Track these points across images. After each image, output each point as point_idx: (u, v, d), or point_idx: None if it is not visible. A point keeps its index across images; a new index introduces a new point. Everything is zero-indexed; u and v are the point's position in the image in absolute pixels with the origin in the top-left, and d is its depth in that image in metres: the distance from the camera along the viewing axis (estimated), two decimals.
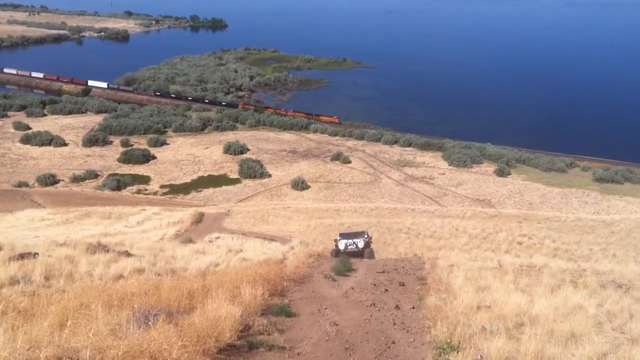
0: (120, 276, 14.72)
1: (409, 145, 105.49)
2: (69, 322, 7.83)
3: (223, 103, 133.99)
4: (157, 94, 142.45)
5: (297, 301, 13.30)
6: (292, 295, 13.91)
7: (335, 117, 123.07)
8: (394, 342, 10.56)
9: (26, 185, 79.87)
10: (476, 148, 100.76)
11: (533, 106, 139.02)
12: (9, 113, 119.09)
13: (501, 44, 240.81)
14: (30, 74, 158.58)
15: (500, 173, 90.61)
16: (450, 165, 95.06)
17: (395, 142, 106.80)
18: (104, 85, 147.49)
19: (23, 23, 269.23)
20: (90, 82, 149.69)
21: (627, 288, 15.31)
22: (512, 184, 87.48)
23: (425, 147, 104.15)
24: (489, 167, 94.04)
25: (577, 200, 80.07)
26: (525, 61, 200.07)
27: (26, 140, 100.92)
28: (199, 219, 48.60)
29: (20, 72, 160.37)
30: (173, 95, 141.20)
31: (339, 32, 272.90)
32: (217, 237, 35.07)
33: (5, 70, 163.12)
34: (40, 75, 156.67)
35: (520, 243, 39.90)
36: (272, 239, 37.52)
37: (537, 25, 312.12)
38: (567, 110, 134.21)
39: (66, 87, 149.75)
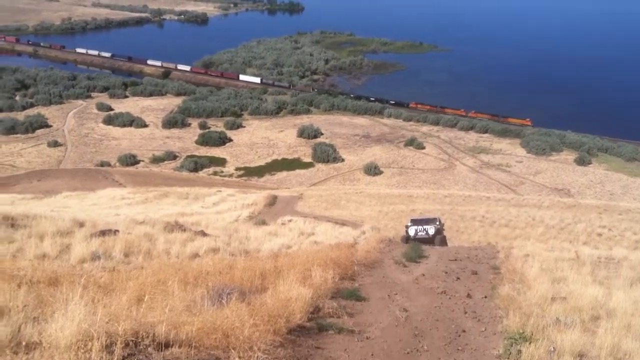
0: (196, 255, 15.13)
1: (486, 132, 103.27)
2: (146, 298, 8.09)
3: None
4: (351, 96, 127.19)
5: (367, 286, 13.31)
6: (363, 280, 13.93)
7: (528, 119, 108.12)
8: (464, 331, 10.44)
9: (108, 165, 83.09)
10: (556, 135, 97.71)
11: (615, 92, 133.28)
12: (92, 94, 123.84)
13: (580, 29, 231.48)
14: (161, 64, 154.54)
15: (581, 162, 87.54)
16: (528, 152, 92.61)
17: (472, 128, 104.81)
18: (257, 79, 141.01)
19: (107, 6, 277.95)
20: (243, 77, 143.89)
21: None
22: (592, 173, 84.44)
23: (503, 133, 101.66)
24: (568, 156, 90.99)
25: None
26: (605, 46, 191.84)
27: (108, 121, 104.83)
28: (272, 201, 49.26)
29: (154, 62, 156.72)
30: (372, 99, 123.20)
31: (415, 15, 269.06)
32: (290, 220, 35.43)
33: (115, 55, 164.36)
34: (187, 67, 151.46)
35: (599, 234, 38.54)
36: (343, 223, 37.61)
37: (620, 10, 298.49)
38: None
39: (148, 69, 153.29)
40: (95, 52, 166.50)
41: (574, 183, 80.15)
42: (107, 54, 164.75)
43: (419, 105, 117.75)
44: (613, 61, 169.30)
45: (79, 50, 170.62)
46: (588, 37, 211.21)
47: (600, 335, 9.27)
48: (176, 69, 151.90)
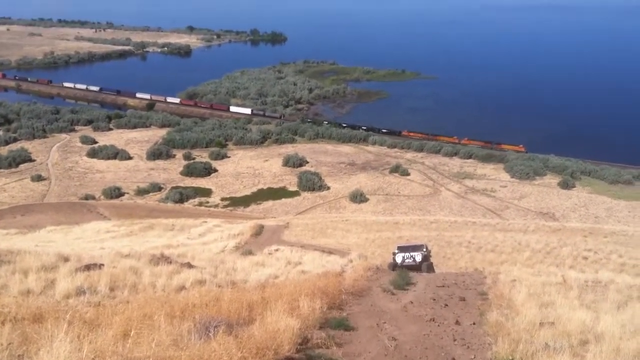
0: (183, 287, 15.02)
1: (470, 157, 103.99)
2: (132, 332, 8.03)
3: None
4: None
5: (356, 315, 13.27)
6: (351, 309, 13.89)
7: (521, 145, 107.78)
8: (453, 359, 10.42)
9: (92, 198, 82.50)
10: (539, 160, 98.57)
11: (598, 116, 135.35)
12: (76, 127, 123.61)
13: (563, 54, 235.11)
14: (150, 97, 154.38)
15: (565, 185, 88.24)
16: (512, 177, 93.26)
17: (456, 153, 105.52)
18: (248, 110, 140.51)
19: (90, 39, 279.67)
20: (233, 108, 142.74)
21: None
22: (576, 196, 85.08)
23: (487, 159, 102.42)
24: (552, 180, 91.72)
25: None
26: (589, 70, 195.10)
27: (92, 154, 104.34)
28: (259, 231, 49.11)
29: (141, 94, 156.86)
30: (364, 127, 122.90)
31: (398, 43, 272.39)
32: (276, 250, 35.32)
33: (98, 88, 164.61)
34: (177, 100, 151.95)
35: (585, 258, 38.72)
36: (330, 251, 37.53)
37: (606, 33, 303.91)
38: (634, 119, 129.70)
39: (131, 102, 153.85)
40: (84, 86, 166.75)
41: (558, 207, 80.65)
42: (95, 88, 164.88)
43: (411, 134, 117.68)
44: (596, 85, 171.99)
45: (66, 84, 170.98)
46: (572, 61, 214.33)
47: None
48: (165, 101, 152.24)
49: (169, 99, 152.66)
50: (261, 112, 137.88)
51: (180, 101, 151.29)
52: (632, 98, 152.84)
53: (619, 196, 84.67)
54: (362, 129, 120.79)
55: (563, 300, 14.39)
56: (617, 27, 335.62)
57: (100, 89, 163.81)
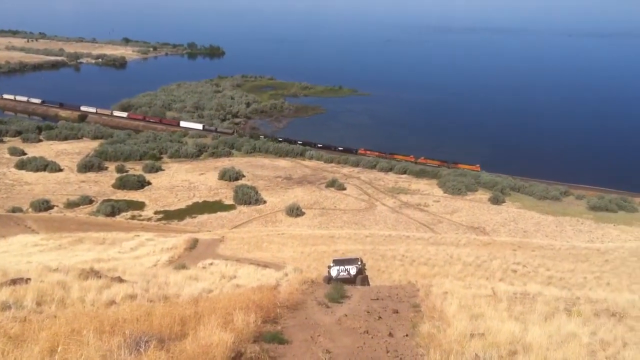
0: (113, 302, 14.63)
1: (404, 173, 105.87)
2: (59, 348, 7.78)
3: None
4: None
5: (290, 328, 13.21)
6: (285, 322, 13.82)
7: (477, 165, 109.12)
8: None
9: (20, 210, 79.58)
10: (471, 176, 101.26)
11: (526, 134, 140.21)
12: (4, 138, 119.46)
13: (495, 74, 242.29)
14: (96, 111, 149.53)
15: (495, 201, 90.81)
16: (445, 192, 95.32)
17: (391, 169, 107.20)
18: (199, 126, 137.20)
19: (21, 49, 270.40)
20: (183, 123, 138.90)
21: (620, 316, 15.32)
22: (506, 211, 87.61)
23: (420, 174, 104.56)
24: (483, 195, 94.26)
25: (571, 229, 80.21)
26: (519, 90, 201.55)
27: (21, 165, 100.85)
28: (193, 245, 48.43)
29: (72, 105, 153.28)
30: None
31: (335, 60, 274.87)
32: (211, 264, 34.88)
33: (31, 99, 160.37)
34: (124, 114, 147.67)
35: (514, 271, 39.85)
36: (266, 265, 37.35)
37: (536, 55, 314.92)
38: (560, 138, 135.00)
39: (62, 112, 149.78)
40: (25, 98, 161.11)
41: (489, 221, 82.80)
42: (37, 100, 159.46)
43: (367, 152, 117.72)
44: (526, 103, 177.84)
45: (5, 96, 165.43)
46: (506, 81, 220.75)
47: None
48: (112, 115, 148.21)
49: (116, 113, 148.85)
50: (213, 129, 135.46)
51: (128, 115, 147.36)
52: (561, 115, 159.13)
53: (546, 211, 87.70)
54: (299, 144, 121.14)
55: (493, 312, 14.69)
56: (551, 48, 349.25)
57: (43, 102, 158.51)
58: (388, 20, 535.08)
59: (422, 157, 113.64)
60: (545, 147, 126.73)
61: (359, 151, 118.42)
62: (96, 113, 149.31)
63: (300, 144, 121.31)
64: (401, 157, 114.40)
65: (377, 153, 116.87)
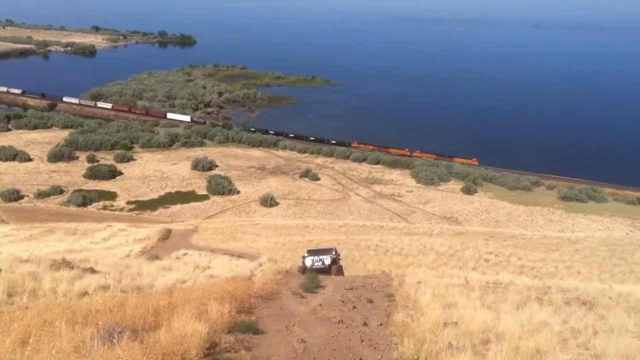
0: (85, 293, 14.46)
1: (378, 163, 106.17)
2: (31, 340, 7.67)
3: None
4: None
5: (265, 318, 13.20)
6: (260, 312, 13.80)
7: (475, 159, 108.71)
8: (361, 359, 10.55)
9: None
10: (443, 166, 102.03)
11: (498, 125, 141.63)
12: None
13: (468, 64, 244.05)
14: (79, 102, 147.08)
15: (467, 191, 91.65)
16: (418, 182, 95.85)
17: (364, 159, 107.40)
18: (187, 118, 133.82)
19: None
20: (170, 115, 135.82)
21: (591, 305, 15.55)
22: (478, 201, 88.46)
23: (394, 164, 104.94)
24: (455, 185, 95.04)
25: (542, 218, 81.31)
26: (491, 80, 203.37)
27: None
28: (166, 235, 48.09)
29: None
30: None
31: (307, 50, 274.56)
32: (185, 254, 34.71)
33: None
34: (109, 105, 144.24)
35: (486, 260, 40.31)
36: (240, 255, 37.26)
37: (507, 46, 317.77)
38: (531, 129, 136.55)
39: (32, 102, 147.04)
40: (4, 89, 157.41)
41: (461, 211, 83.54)
42: (18, 90, 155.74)
43: (361, 146, 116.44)
44: (497, 95, 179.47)
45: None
46: (484, 72, 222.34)
47: (491, 358, 9.64)
48: (96, 107, 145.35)
49: (100, 104, 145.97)
50: (202, 121, 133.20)
51: (113, 106, 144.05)
52: (532, 106, 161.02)
53: (518, 201, 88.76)
54: (271, 134, 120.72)
55: (466, 301, 14.82)
56: (529, 38, 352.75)
57: (23, 92, 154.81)
58: (357, 10, 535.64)
59: (418, 151, 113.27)
60: (516, 138, 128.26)
61: (353, 144, 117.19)
62: (79, 104, 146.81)
63: (273, 134, 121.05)
64: (396, 150, 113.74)
65: (370, 147, 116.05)
